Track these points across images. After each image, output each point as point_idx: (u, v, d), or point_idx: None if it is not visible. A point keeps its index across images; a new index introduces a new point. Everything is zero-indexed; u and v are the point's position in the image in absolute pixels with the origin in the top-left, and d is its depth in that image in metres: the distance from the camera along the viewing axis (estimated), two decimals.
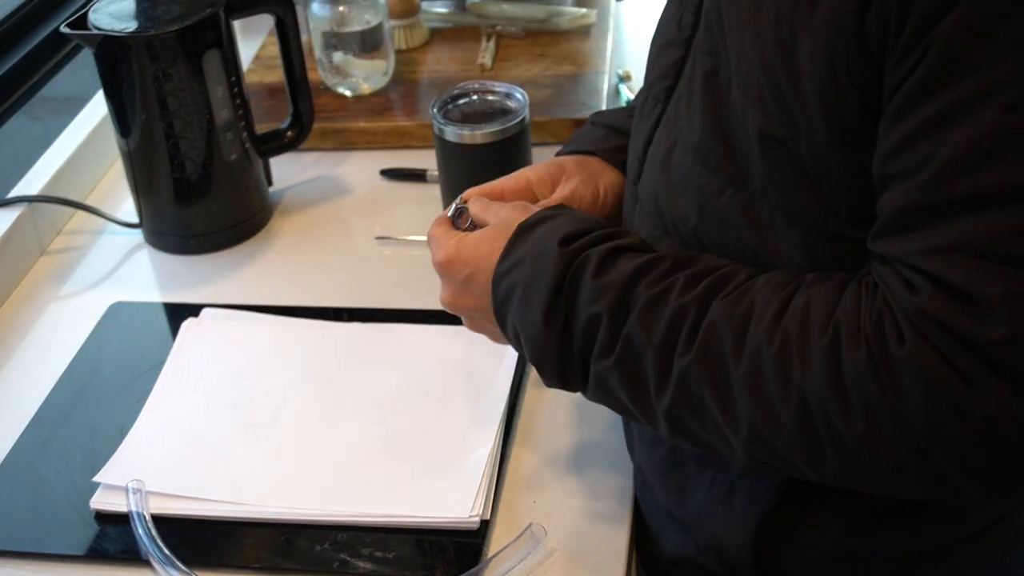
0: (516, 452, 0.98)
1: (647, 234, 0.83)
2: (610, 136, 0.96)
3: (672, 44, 0.82)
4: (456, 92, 1.21)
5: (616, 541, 0.90)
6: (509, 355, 1.05)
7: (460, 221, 0.89)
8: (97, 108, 1.43)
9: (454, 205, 0.90)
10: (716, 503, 0.84)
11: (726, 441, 0.71)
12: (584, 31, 1.55)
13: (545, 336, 0.76)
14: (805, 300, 0.68)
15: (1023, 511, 0.87)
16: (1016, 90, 0.58)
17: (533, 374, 1.05)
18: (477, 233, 0.84)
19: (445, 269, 0.84)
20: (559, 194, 0.92)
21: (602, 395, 0.77)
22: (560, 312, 0.75)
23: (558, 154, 0.99)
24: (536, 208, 0.83)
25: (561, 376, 0.78)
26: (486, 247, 0.81)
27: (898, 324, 0.64)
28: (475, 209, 0.88)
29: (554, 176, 0.94)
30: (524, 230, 0.79)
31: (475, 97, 1.20)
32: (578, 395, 1.02)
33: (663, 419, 0.73)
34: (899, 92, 0.62)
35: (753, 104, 0.70)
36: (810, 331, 0.66)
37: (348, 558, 0.88)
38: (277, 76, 1.39)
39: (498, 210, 0.86)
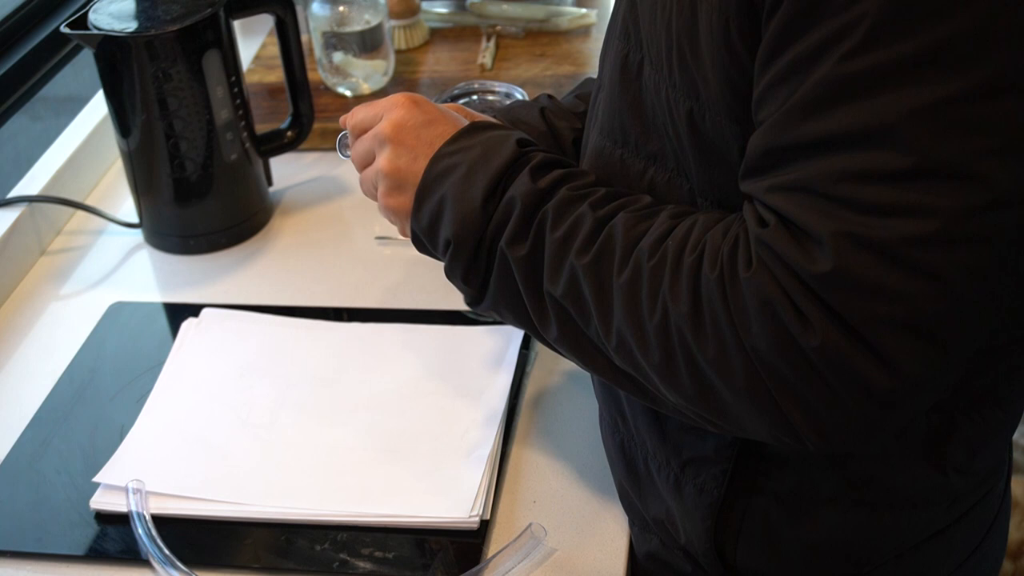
0: (516, 452, 0.98)
1: None
2: (544, 138, 0.96)
3: (609, 36, 0.83)
4: (456, 92, 1.20)
5: (616, 541, 0.90)
6: (509, 355, 1.05)
7: (344, 149, 0.90)
8: (97, 108, 1.43)
9: (339, 136, 0.90)
10: (669, 495, 0.85)
11: (597, 350, 0.74)
12: (584, 31, 1.55)
13: (478, 212, 0.76)
14: (690, 224, 0.70)
15: (984, 511, 0.88)
16: (858, 36, 0.59)
17: (533, 374, 1.05)
18: (428, 109, 0.83)
19: (395, 132, 0.82)
20: None
21: (502, 284, 0.77)
22: (498, 197, 0.77)
23: (497, 116, 0.97)
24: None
25: (470, 258, 0.78)
26: (437, 130, 0.81)
27: (748, 249, 0.66)
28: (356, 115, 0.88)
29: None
30: (477, 128, 0.81)
31: (475, 97, 1.20)
32: (578, 395, 1.02)
33: (552, 311, 0.75)
34: (764, 41, 0.64)
35: (664, 79, 0.72)
36: (684, 249, 0.69)
37: (348, 558, 0.88)
38: (277, 76, 1.39)
39: (389, 101, 0.85)
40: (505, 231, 0.76)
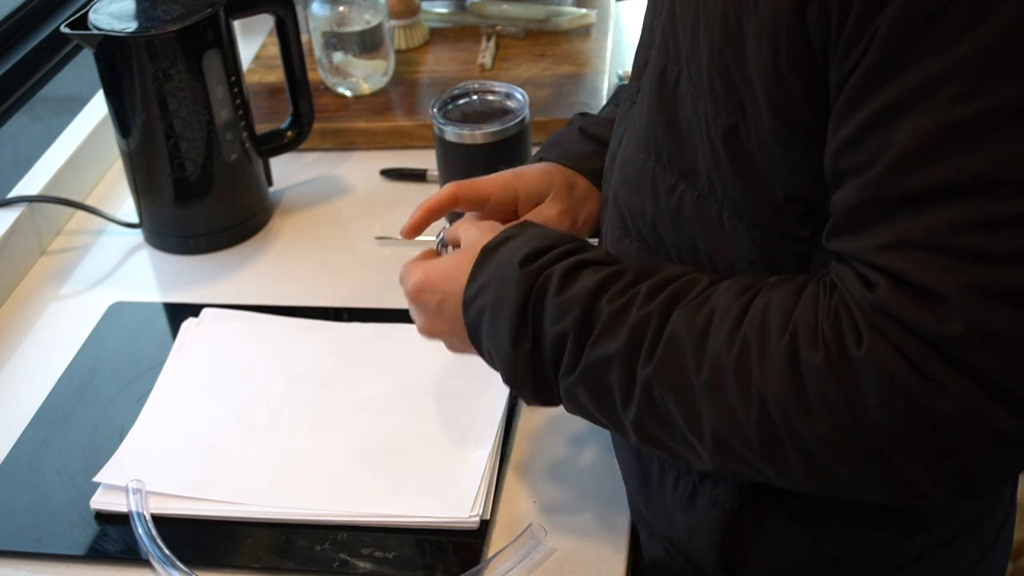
0: (516, 452, 0.98)
1: (610, 233, 0.84)
2: (597, 152, 0.95)
3: (643, 45, 0.82)
4: (456, 92, 1.21)
5: (616, 541, 0.90)
6: None
7: (442, 248, 0.90)
8: (97, 108, 1.43)
9: (437, 237, 0.90)
10: (680, 505, 0.84)
11: (694, 450, 0.71)
12: (584, 31, 1.55)
13: (514, 358, 0.75)
14: (764, 304, 0.67)
15: (992, 520, 0.87)
16: (960, 82, 0.57)
17: None
18: (445, 258, 0.84)
19: (415, 297, 0.84)
20: (535, 216, 0.92)
21: (576, 409, 0.77)
22: (527, 333, 0.75)
23: (541, 154, 0.98)
24: (504, 226, 0.82)
25: (537, 394, 0.77)
26: (454, 271, 0.81)
27: (856, 323, 0.62)
28: (450, 231, 0.88)
29: (541, 195, 0.93)
30: (487, 252, 0.79)
31: (475, 97, 1.20)
32: None
33: (631, 430, 0.73)
34: (845, 87, 0.62)
35: (703, 95, 0.70)
36: (768, 335, 0.65)
37: (348, 558, 0.88)
38: (277, 76, 1.39)
39: (467, 230, 0.85)
40: (561, 365, 0.74)
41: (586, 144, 0.96)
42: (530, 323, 0.74)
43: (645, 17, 0.84)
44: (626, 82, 1.44)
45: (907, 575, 0.83)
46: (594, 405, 0.74)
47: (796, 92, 0.64)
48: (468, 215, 0.91)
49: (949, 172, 0.58)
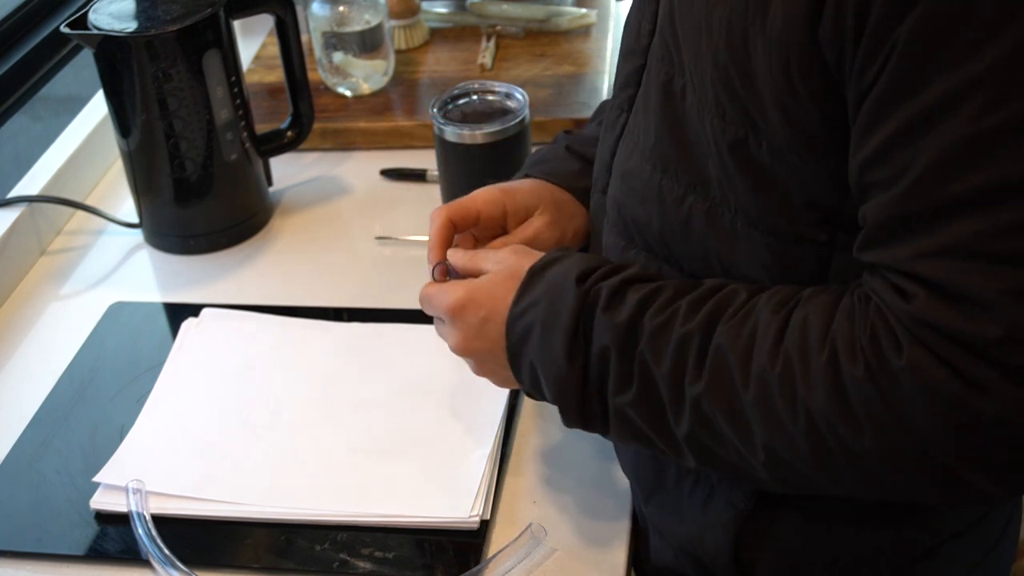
0: (516, 452, 0.98)
1: (613, 243, 0.84)
2: (584, 171, 0.95)
3: (632, 52, 0.82)
4: (456, 92, 1.21)
5: (616, 541, 0.90)
6: None
7: (439, 277, 0.88)
8: (97, 108, 1.43)
9: (432, 267, 0.89)
10: (696, 508, 0.84)
11: (748, 465, 0.71)
12: (584, 31, 1.55)
13: (568, 372, 0.75)
14: (802, 319, 0.68)
15: (999, 514, 0.87)
16: (985, 93, 0.58)
17: None
18: (486, 277, 0.83)
19: (458, 313, 0.82)
20: (523, 234, 0.92)
21: (624, 430, 0.76)
22: (580, 348, 0.75)
23: (527, 171, 0.97)
24: (539, 253, 0.82)
25: (582, 414, 0.77)
26: (500, 290, 0.80)
27: (894, 333, 0.63)
28: (459, 259, 0.87)
29: (530, 209, 0.93)
30: (536, 272, 0.79)
31: (475, 97, 1.20)
32: None
33: (686, 447, 0.73)
34: (868, 100, 0.62)
35: (709, 109, 0.70)
36: (809, 350, 0.66)
37: (348, 558, 0.88)
38: (277, 76, 1.39)
39: (495, 256, 0.85)
40: (609, 382, 0.74)
41: (573, 163, 0.96)
42: (582, 338, 0.75)
43: (629, 22, 0.83)
44: None
45: (918, 570, 0.83)
46: (646, 422, 0.74)
47: (809, 105, 0.65)
48: (475, 248, 0.90)
49: (979, 181, 0.59)
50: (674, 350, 0.71)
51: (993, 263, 0.59)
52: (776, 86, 0.65)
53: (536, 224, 0.92)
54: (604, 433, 0.78)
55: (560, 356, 0.75)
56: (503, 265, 0.83)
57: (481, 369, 0.86)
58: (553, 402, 0.78)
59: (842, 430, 0.65)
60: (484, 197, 0.92)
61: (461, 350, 0.84)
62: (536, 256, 0.81)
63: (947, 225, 0.60)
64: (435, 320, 0.87)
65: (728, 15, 0.67)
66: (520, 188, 0.94)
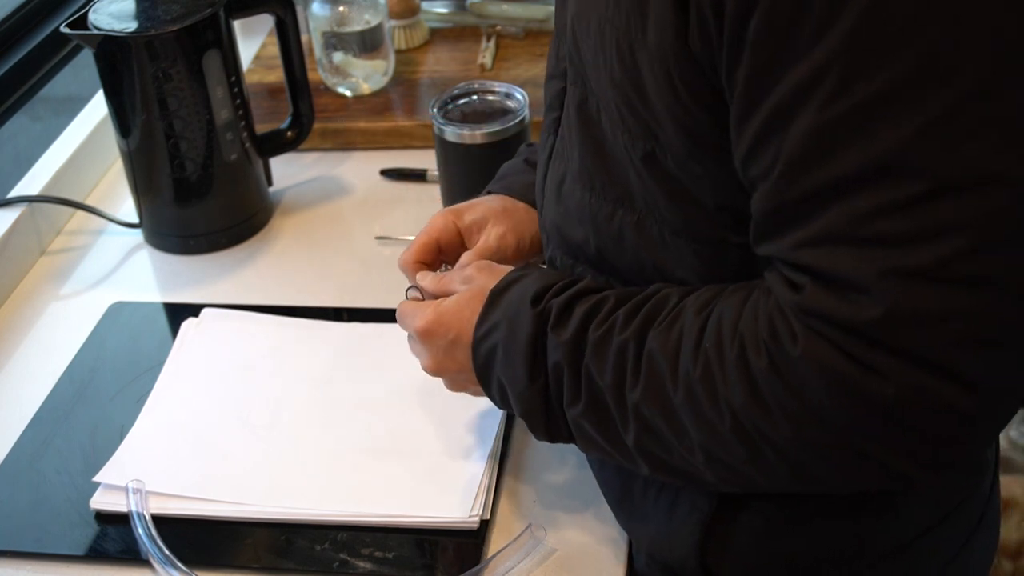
0: (516, 452, 0.98)
1: (561, 264, 0.85)
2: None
3: (553, 76, 0.84)
4: (456, 92, 1.21)
5: (616, 541, 0.90)
6: None
7: (409, 298, 0.91)
8: (97, 108, 1.43)
9: (407, 292, 0.92)
10: (662, 513, 0.84)
11: (694, 468, 0.73)
12: None
13: (531, 391, 0.78)
14: (717, 318, 0.69)
15: (970, 507, 0.88)
16: (831, 79, 0.59)
17: None
18: (454, 298, 0.84)
19: (427, 336, 0.84)
20: (483, 242, 0.94)
21: (584, 441, 0.78)
22: (541, 368, 0.77)
23: (490, 187, 1.00)
24: (504, 269, 0.84)
25: (547, 430, 0.80)
26: (467, 311, 0.82)
27: (790, 324, 0.65)
28: (429, 283, 0.89)
29: (480, 223, 0.95)
30: (497, 294, 0.81)
31: (475, 97, 1.21)
32: None
33: (637, 455, 0.75)
34: (734, 100, 0.63)
35: (617, 126, 0.72)
36: (723, 348, 0.68)
37: (348, 558, 0.88)
38: (277, 76, 1.39)
39: (462, 275, 0.87)
40: (564, 397, 0.76)
41: (529, 175, 0.98)
42: (540, 357, 0.77)
43: (551, 48, 0.86)
44: None
45: (890, 565, 0.83)
46: (600, 434, 0.76)
47: (698, 112, 0.66)
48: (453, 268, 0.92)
49: (840, 167, 0.60)
50: (613, 360, 0.73)
51: (864, 246, 0.60)
52: (664, 97, 0.67)
53: (492, 235, 0.95)
54: (572, 443, 0.80)
55: (522, 376, 0.77)
56: (469, 285, 0.85)
57: (454, 386, 0.88)
58: (521, 418, 0.81)
59: (762, 424, 0.66)
60: (436, 226, 0.95)
61: (433, 371, 0.87)
62: (501, 273, 0.83)
63: (818, 213, 0.62)
64: (408, 338, 0.89)
65: (616, 34, 0.68)
66: (468, 207, 0.97)
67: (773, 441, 0.67)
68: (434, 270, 0.95)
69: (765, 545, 0.82)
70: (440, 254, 0.96)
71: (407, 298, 0.91)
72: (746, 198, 0.68)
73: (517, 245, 0.95)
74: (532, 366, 0.77)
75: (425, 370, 0.87)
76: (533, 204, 0.96)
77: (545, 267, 0.84)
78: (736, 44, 0.61)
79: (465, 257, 0.93)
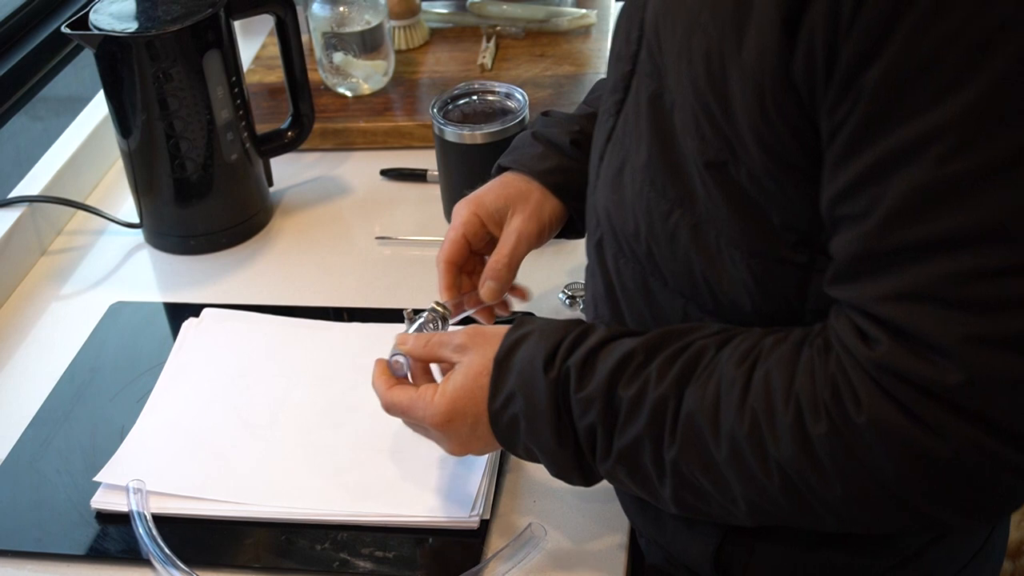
0: None
1: (608, 250, 0.83)
2: (547, 155, 0.97)
3: (620, 57, 0.82)
4: (456, 92, 1.21)
5: (616, 541, 0.90)
6: None
7: (395, 368, 0.89)
8: (98, 108, 1.44)
9: (389, 357, 0.90)
10: (678, 522, 0.85)
11: (733, 515, 0.73)
12: (584, 31, 1.55)
13: (563, 455, 0.78)
14: (764, 375, 0.69)
15: None
16: (951, 137, 0.58)
17: None
18: (458, 378, 0.82)
19: (447, 429, 0.83)
20: (508, 243, 0.94)
21: (621, 487, 0.80)
22: (568, 431, 0.77)
23: (500, 161, 1.00)
24: (498, 332, 0.82)
25: (582, 479, 0.80)
26: (478, 391, 0.81)
27: (853, 387, 0.65)
28: (416, 350, 0.87)
29: (502, 211, 0.96)
30: (501, 362, 0.79)
31: (475, 97, 1.21)
32: None
33: (673, 504, 0.75)
34: (839, 136, 0.63)
35: (691, 132, 0.71)
36: (774, 408, 0.68)
37: (348, 558, 0.88)
38: (277, 76, 1.40)
39: (455, 343, 0.84)
40: (596, 454, 0.76)
41: (537, 147, 0.98)
42: (566, 423, 0.77)
43: (619, 26, 0.83)
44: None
45: (906, 570, 0.83)
46: (634, 484, 0.77)
47: (785, 135, 0.65)
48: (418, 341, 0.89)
49: (945, 225, 0.60)
50: (649, 418, 0.73)
51: (954, 309, 0.60)
52: (752, 116, 0.66)
53: (514, 226, 0.95)
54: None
55: (551, 443, 0.77)
56: (464, 356, 0.83)
57: (481, 454, 0.89)
58: (555, 476, 0.81)
59: (814, 483, 0.67)
60: (462, 221, 0.95)
61: (460, 453, 0.86)
62: (495, 339, 0.81)
63: (909, 268, 0.61)
64: (408, 422, 0.87)
65: (706, 42, 0.67)
66: (487, 197, 0.96)
67: (822, 497, 0.67)
68: (465, 269, 0.96)
69: (784, 557, 0.82)
70: (469, 247, 0.95)
71: (390, 363, 0.89)
72: (816, 222, 0.68)
73: (539, 231, 0.95)
74: (559, 433, 0.77)
75: (451, 454, 0.87)
76: (544, 179, 0.96)
77: (540, 319, 0.83)
78: (847, 86, 0.60)
79: (496, 259, 0.94)
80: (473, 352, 0.82)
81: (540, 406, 0.77)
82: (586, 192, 0.91)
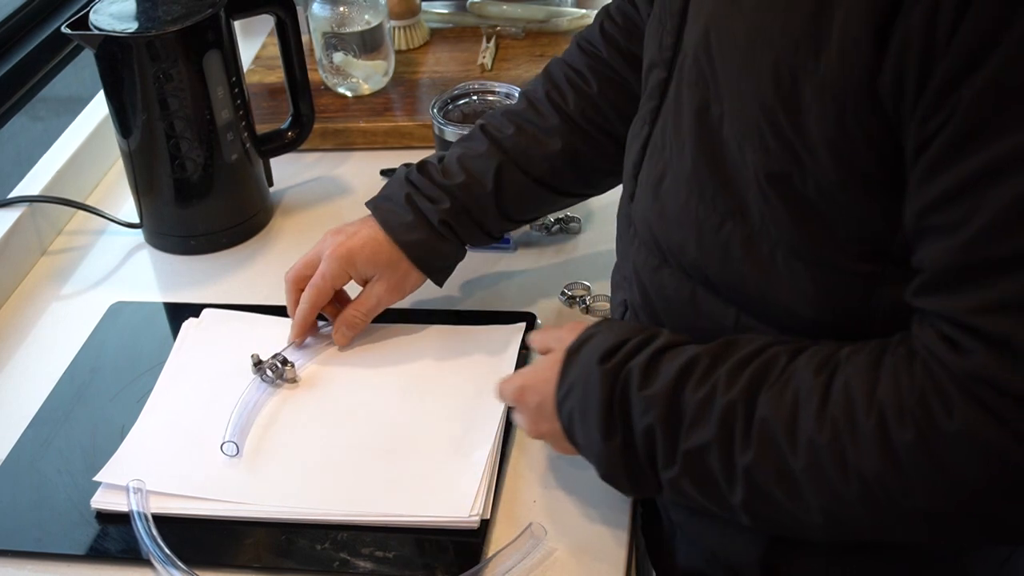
0: (516, 452, 0.98)
1: (644, 262, 0.83)
2: (416, 226, 1.01)
3: (655, 65, 0.81)
4: (456, 92, 1.21)
5: (616, 541, 0.90)
6: (509, 354, 1.05)
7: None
8: (98, 108, 1.44)
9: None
10: (726, 522, 0.84)
11: (805, 526, 0.72)
12: None
13: (607, 452, 0.78)
14: (844, 383, 0.68)
15: None
16: None
17: None
18: (540, 360, 0.87)
19: (518, 400, 0.87)
20: (366, 302, 1.04)
21: (679, 498, 0.78)
22: (616, 428, 0.77)
23: (372, 208, 1.05)
24: (585, 326, 0.85)
25: (634, 486, 0.79)
26: (549, 374, 0.83)
27: (944, 395, 0.64)
28: (536, 340, 0.92)
29: (370, 275, 1.03)
30: (571, 354, 0.82)
31: (475, 97, 1.21)
32: None
33: (741, 513, 0.74)
34: (929, 150, 0.62)
35: (752, 143, 0.70)
36: (856, 416, 0.67)
37: (348, 558, 0.88)
38: (277, 76, 1.40)
39: (558, 335, 0.87)
40: (658, 458, 0.75)
41: (408, 214, 1.01)
42: (618, 418, 0.76)
43: (650, 32, 0.82)
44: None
45: (945, 567, 0.84)
46: (700, 494, 0.75)
47: (863, 148, 0.65)
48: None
49: None
50: (719, 423, 0.72)
51: None
52: (827, 130, 0.65)
53: (376, 292, 1.03)
54: (661, 496, 0.80)
55: (597, 439, 0.78)
56: (559, 345, 0.85)
57: (557, 446, 0.88)
58: (603, 478, 0.81)
59: (897, 494, 0.66)
60: (332, 274, 1.03)
61: (533, 433, 0.88)
62: (580, 331, 0.84)
63: (1006, 280, 0.61)
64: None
65: (775, 57, 0.66)
66: (359, 255, 1.02)
67: (902, 506, 0.66)
68: (313, 326, 1.07)
69: (830, 553, 0.82)
70: (331, 294, 1.03)
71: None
72: (888, 233, 0.67)
73: (398, 298, 1.04)
74: (607, 429, 0.77)
75: (528, 434, 0.89)
76: (409, 252, 1.01)
77: (616, 321, 0.86)
78: (942, 98, 0.60)
79: (354, 313, 1.04)
80: (564, 341, 0.85)
81: (591, 400, 0.77)
82: (448, 264, 1.01)
